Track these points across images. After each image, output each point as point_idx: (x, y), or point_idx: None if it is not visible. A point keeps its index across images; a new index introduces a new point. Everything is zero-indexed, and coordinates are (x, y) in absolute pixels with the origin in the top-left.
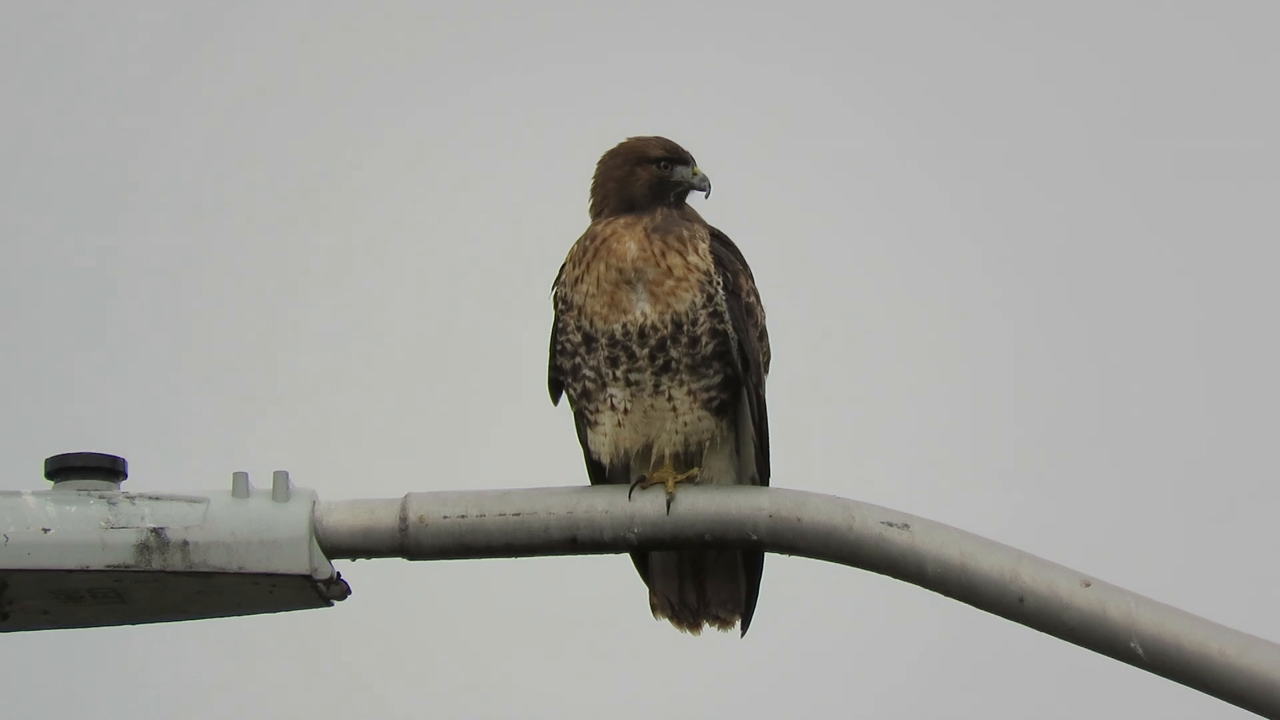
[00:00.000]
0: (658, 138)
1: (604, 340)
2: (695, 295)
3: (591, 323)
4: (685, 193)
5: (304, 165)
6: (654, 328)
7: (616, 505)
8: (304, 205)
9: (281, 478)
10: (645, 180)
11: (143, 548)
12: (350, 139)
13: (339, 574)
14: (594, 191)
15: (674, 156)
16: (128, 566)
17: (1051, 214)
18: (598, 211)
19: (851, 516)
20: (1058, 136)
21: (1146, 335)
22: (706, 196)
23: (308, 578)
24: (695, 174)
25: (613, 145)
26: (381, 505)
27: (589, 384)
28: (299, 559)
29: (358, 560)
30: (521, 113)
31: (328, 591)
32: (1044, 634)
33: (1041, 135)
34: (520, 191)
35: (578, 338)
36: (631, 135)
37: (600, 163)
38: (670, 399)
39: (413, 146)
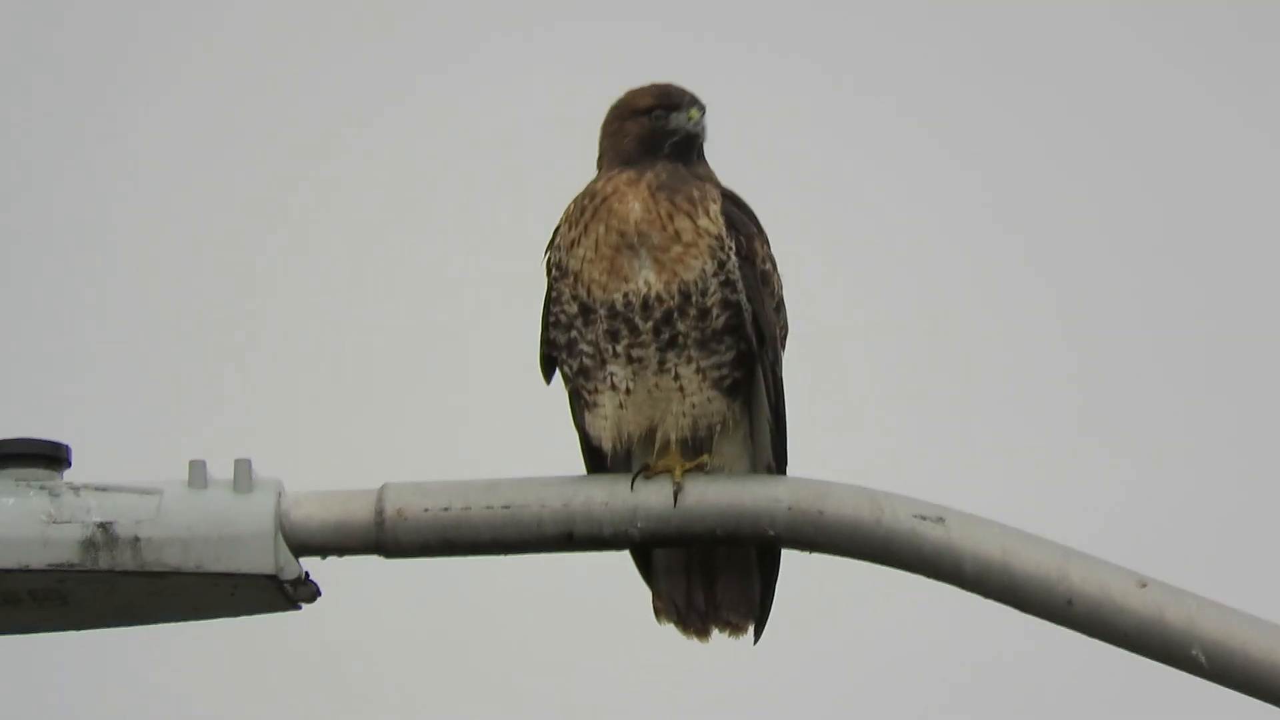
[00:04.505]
0: (651, 85)
1: (603, 312)
2: (705, 262)
3: (589, 292)
4: (685, 143)
5: (269, 142)
6: (659, 298)
7: (617, 497)
8: (266, 178)
9: (243, 466)
10: (634, 135)
11: (88, 544)
12: (316, 118)
13: (307, 574)
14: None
15: (665, 103)
16: (72, 565)
17: (1080, 203)
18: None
19: (880, 509)
20: (1098, 119)
21: (1179, 324)
22: (699, 141)
23: (273, 578)
24: (690, 118)
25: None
26: (355, 497)
27: (586, 360)
28: (263, 557)
29: (329, 558)
30: (489, 86)
31: (295, 593)
32: (1095, 640)
33: (1081, 117)
34: (507, 153)
35: (573, 308)
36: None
37: (601, 125)
38: (677, 378)
39: (379, 122)
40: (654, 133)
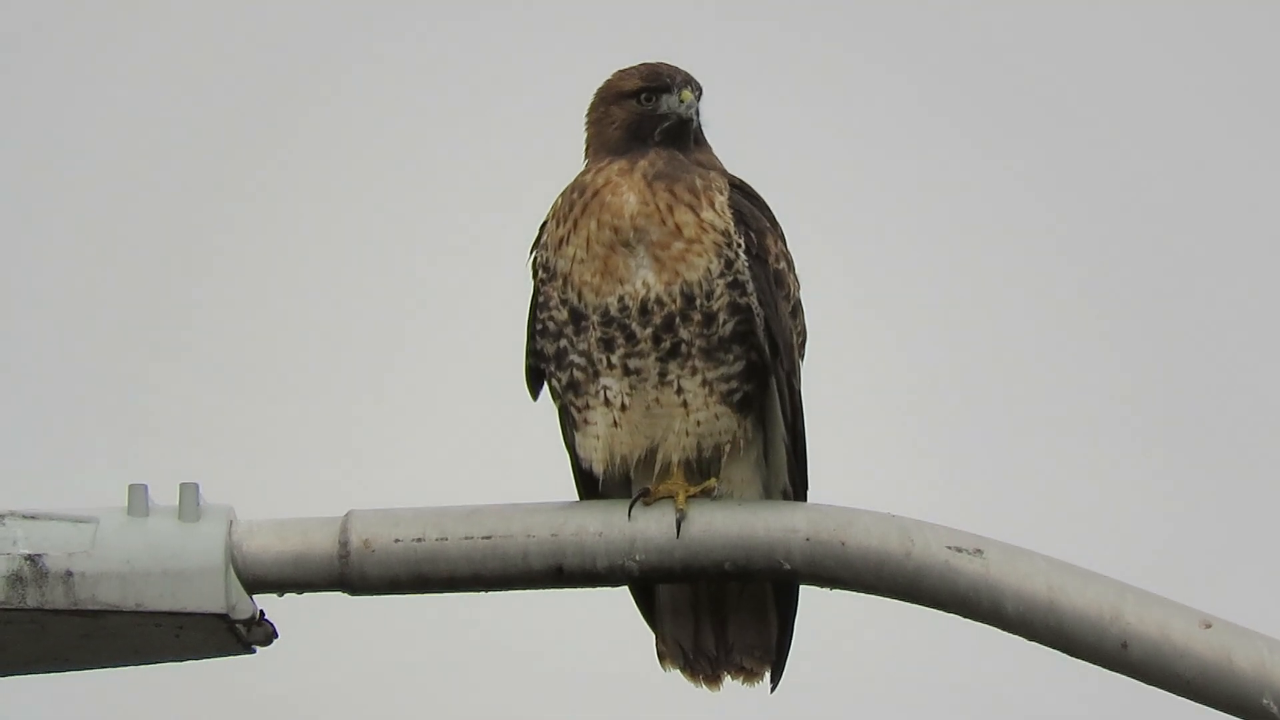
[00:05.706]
0: (639, 65)
1: (596, 318)
2: (711, 260)
3: (580, 295)
4: (677, 129)
5: (223, 139)
6: (659, 302)
7: (613, 526)
8: (219, 178)
9: (190, 491)
10: (621, 121)
11: (15, 580)
12: (275, 110)
13: (262, 612)
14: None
15: (654, 84)
16: None
17: (1131, 212)
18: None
19: (910, 540)
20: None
21: (1232, 330)
22: (693, 126)
23: (223, 617)
24: (683, 100)
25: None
26: (316, 526)
27: (577, 373)
28: (212, 594)
29: (286, 595)
30: (461, 71)
31: (248, 635)
32: (1152, 687)
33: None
34: (481, 144)
35: (563, 314)
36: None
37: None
38: (680, 392)
39: (344, 120)
40: (642, 118)
